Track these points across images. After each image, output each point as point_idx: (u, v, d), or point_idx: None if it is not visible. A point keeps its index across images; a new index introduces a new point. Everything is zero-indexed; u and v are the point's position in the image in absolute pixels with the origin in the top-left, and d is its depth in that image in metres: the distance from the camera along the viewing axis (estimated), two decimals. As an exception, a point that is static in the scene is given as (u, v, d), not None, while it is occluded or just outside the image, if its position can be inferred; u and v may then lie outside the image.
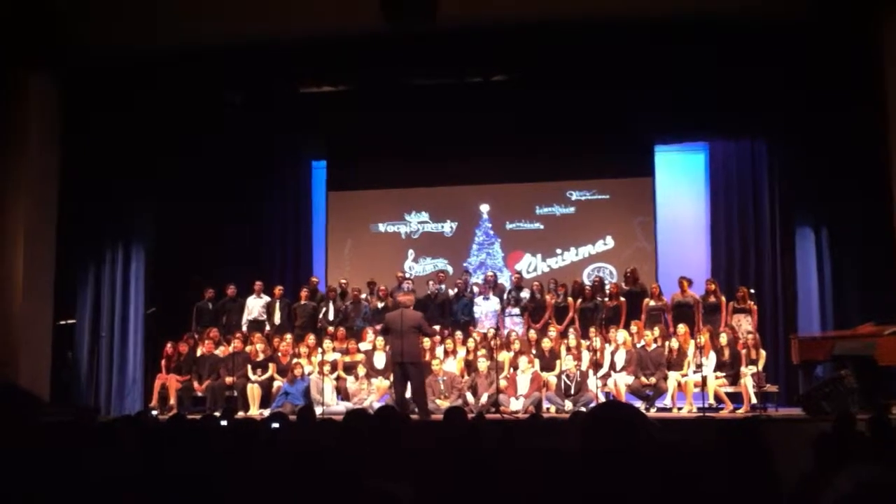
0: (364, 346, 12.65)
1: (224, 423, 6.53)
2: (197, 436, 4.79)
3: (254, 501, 3.55)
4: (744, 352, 11.38)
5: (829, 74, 11.96)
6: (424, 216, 14.85)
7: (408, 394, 10.81)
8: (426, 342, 11.79)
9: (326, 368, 12.02)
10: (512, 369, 11.85)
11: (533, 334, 12.51)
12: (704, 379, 11.06)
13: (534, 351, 12.19)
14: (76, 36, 11.87)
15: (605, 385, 11.65)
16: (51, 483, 3.84)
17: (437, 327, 12.39)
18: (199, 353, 12.79)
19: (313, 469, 2.82)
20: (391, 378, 11.94)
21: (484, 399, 11.37)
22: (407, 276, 14.06)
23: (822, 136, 12.36)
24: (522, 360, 11.66)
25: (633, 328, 12.07)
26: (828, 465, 3.58)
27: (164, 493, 3.75)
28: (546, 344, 12.12)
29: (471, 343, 12.34)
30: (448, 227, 14.81)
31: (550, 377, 11.76)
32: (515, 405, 11.24)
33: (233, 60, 12.68)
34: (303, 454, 2.89)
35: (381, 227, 14.94)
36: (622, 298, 12.64)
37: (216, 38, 12.29)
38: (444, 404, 11.07)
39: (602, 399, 11.27)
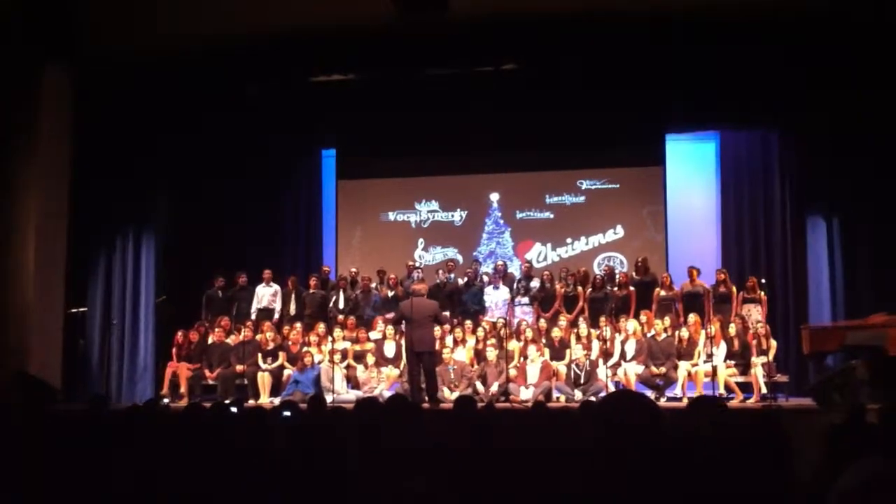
0: (374, 334, 12.68)
1: (234, 410, 6.54)
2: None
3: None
4: (754, 342, 11.36)
5: (841, 64, 11.87)
6: (434, 205, 14.85)
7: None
8: (437, 331, 11.80)
9: (336, 357, 12.06)
10: (522, 358, 11.86)
11: (543, 324, 12.52)
12: (715, 369, 11.06)
13: (543, 340, 12.19)
14: (90, 28, 11.86)
15: (615, 375, 11.65)
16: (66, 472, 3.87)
17: (446, 313, 12.38)
18: (209, 341, 12.84)
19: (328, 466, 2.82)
20: (401, 367, 12.00)
21: (494, 388, 11.39)
22: (417, 265, 14.07)
23: (834, 126, 12.27)
24: (532, 350, 11.66)
25: (643, 318, 12.07)
26: (839, 457, 3.56)
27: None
28: (556, 333, 12.12)
29: (480, 332, 12.35)
30: (458, 216, 14.81)
31: (560, 366, 11.76)
32: (525, 394, 11.24)
33: (242, 51, 12.64)
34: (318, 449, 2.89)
35: (391, 216, 14.95)
36: (632, 288, 12.64)
37: (225, 30, 12.25)
38: (454, 394, 11.09)
39: (612, 388, 11.28)
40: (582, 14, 11.87)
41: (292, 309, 13.49)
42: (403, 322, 11.25)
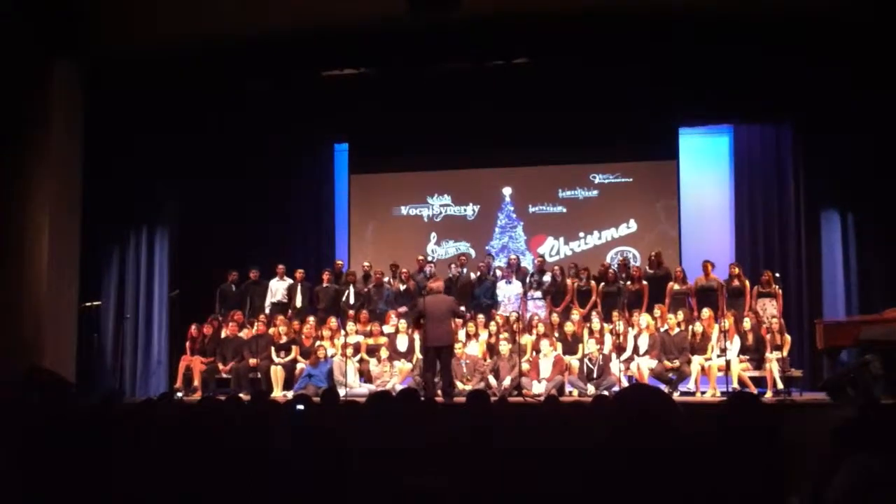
0: (387, 328, 12.68)
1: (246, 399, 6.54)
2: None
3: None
4: (768, 337, 11.30)
5: (855, 58, 11.78)
6: (447, 199, 14.84)
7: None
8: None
9: (349, 351, 12.07)
10: (534, 353, 11.85)
11: (555, 318, 12.48)
12: (728, 363, 11.00)
13: (556, 334, 12.17)
14: (101, 23, 11.87)
15: (628, 369, 11.62)
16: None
17: (462, 308, 12.39)
18: (223, 335, 12.87)
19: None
20: (414, 361, 12.00)
21: (506, 382, 11.37)
22: (429, 259, 14.07)
23: (848, 120, 12.20)
24: (545, 344, 11.64)
25: (657, 312, 12.02)
26: (843, 452, 3.52)
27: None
28: (569, 328, 12.10)
29: (493, 326, 12.33)
30: (470, 210, 14.80)
31: (573, 361, 11.74)
32: (538, 388, 11.23)
33: (257, 46, 12.63)
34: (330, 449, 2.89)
35: (404, 210, 14.95)
36: (644, 282, 12.60)
37: (240, 25, 12.25)
38: (467, 387, 11.08)
39: (625, 383, 11.26)
40: (594, 9, 11.82)
41: (299, 302, 13.48)
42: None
